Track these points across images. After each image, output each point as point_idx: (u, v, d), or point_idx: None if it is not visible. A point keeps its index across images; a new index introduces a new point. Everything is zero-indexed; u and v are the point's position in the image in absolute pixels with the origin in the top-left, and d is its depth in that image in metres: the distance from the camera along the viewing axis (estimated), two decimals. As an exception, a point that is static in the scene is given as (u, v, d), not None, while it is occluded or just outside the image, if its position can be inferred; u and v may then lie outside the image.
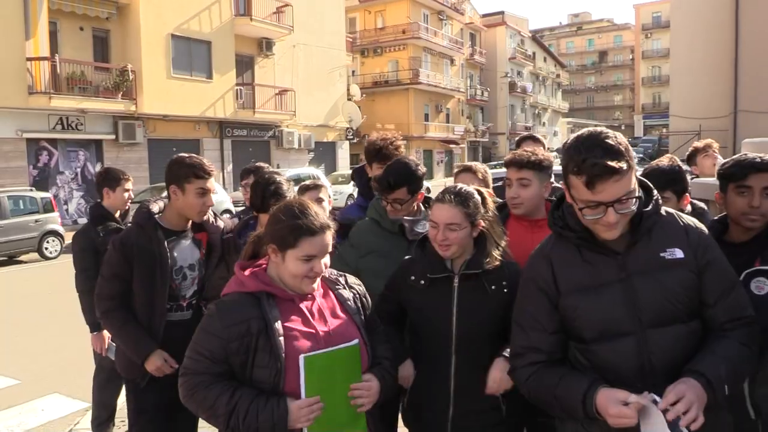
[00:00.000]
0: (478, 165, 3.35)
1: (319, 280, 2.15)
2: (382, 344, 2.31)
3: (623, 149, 1.74)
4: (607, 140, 1.74)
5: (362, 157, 3.62)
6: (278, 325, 2.02)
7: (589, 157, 1.72)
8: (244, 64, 26.03)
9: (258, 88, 25.74)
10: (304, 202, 2.14)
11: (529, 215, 2.89)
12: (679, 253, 1.86)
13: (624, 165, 1.72)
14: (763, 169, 2.33)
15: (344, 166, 31.68)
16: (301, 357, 1.98)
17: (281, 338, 2.00)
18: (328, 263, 2.15)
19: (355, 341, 2.09)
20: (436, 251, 2.47)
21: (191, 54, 22.72)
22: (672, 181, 2.79)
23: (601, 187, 1.73)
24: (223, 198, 18.42)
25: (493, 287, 2.40)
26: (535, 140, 4.04)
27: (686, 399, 1.64)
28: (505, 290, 2.42)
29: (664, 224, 1.92)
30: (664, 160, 2.96)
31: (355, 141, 30.45)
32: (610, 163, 1.70)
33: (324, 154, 31.33)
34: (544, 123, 64.89)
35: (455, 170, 3.48)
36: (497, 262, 2.45)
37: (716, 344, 1.82)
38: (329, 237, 2.10)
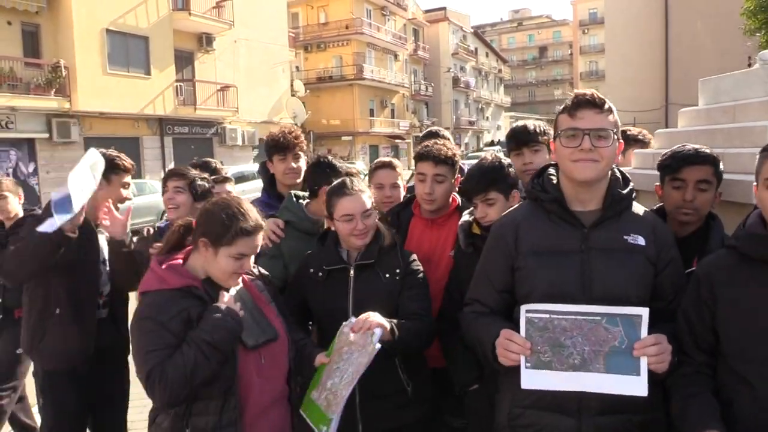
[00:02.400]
0: (395, 161, 3.44)
1: None
2: (298, 328, 2.46)
3: (608, 103, 1.96)
4: (595, 94, 1.98)
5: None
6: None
7: (579, 95, 1.98)
8: (184, 60, 25.45)
9: (199, 85, 25.24)
10: (241, 201, 2.20)
11: (435, 212, 2.92)
12: (641, 240, 1.97)
13: (605, 106, 1.95)
14: (696, 162, 2.34)
15: (289, 163, 31.37)
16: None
17: None
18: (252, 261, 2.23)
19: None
20: (332, 244, 2.57)
21: (128, 49, 22.06)
22: (494, 181, 2.55)
23: (581, 114, 1.92)
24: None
25: (387, 275, 2.48)
26: (436, 136, 3.91)
27: (663, 344, 1.81)
28: (397, 278, 2.50)
29: (635, 215, 2.04)
30: (487, 157, 2.68)
31: (299, 137, 30.25)
32: (593, 97, 1.95)
33: (268, 150, 30.99)
34: (487, 117, 65.87)
35: (372, 166, 3.52)
36: (389, 241, 2.55)
37: (671, 328, 1.96)
38: (261, 237, 2.19)
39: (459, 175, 2.96)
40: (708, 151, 2.39)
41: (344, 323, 2.29)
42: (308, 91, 35.49)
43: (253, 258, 2.22)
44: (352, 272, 2.50)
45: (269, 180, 3.48)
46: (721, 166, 2.41)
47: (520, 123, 3.17)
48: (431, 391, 2.68)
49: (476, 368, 2.48)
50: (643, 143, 4.01)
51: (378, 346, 2.17)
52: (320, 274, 2.53)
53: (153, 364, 1.95)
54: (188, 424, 2.05)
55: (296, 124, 28.70)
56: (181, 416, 2.06)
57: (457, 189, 2.98)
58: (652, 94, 27.09)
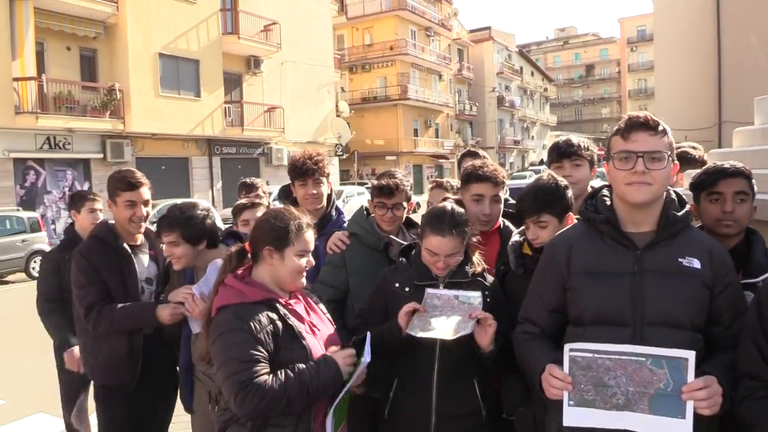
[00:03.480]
0: (451, 181, 3.44)
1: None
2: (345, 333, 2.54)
3: (662, 125, 1.92)
4: (648, 116, 1.95)
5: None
6: (296, 323, 2.23)
7: (632, 117, 1.95)
8: (233, 82, 26.09)
9: (246, 106, 25.80)
10: (289, 207, 2.37)
11: (484, 231, 2.90)
12: (696, 264, 1.92)
13: (659, 128, 1.90)
14: (732, 175, 2.38)
15: (334, 182, 31.65)
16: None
17: (304, 338, 2.22)
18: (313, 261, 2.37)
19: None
20: (420, 259, 2.53)
21: (179, 72, 22.75)
22: (548, 204, 2.46)
23: (635, 136, 1.91)
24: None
25: None
26: (474, 156, 3.97)
27: (713, 387, 1.74)
28: (488, 299, 2.46)
29: (691, 236, 2.00)
30: (543, 177, 2.60)
31: (344, 157, 30.53)
32: (647, 119, 1.92)
33: (313, 170, 31.32)
34: (532, 137, 65.28)
35: (430, 186, 3.53)
36: (479, 268, 2.53)
37: (728, 359, 1.89)
38: (312, 234, 2.34)
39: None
40: (740, 165, 2.44)
41: (428, 292, 2.41)
42: (353, 111, 35.89)
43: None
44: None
45: (291, 203, 3.40)
46: (754, 182, 2.45)
47: (564, 136, 3.17)
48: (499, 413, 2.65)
49: (525, 390, 2.46)
50: (702, 162, 3.91)
51: (480, 300, 2.33)
52: (407, 289, 2.49)
53: (248, 376, 2.01)
54: None
55: (341, 144, 29.04)
56: (258, 428, 2.13)
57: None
58: (703, 111, 26.35)
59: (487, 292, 2.48)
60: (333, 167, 32.78)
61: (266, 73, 27.40)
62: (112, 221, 3.25)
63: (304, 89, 29.38)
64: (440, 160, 44.51)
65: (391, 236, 2.95)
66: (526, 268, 2.49)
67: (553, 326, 2.11)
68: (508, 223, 2.97)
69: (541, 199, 2.47)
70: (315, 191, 3.33)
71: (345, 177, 32.71)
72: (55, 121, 18.81)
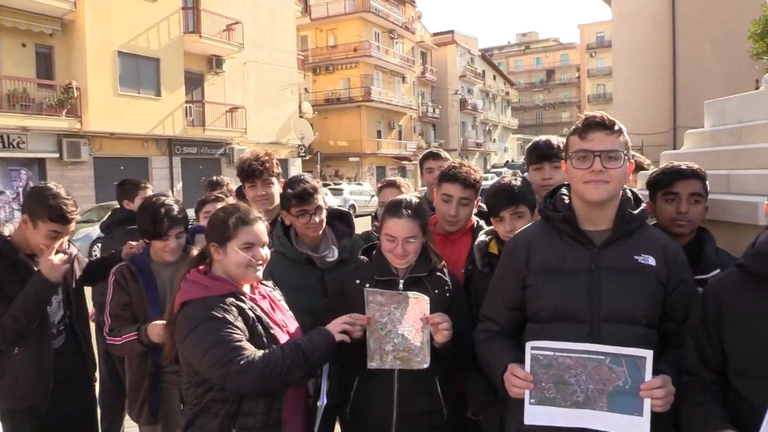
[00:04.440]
0: (401, 179, 3.45)
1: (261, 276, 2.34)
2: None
3: (618, 124, 1.98)
4: (605, 115, 2.02)
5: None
6: (262, 315, 2.26)
7: (589, 117, 2.02)
8: (194, 82, 25.70)
9: (208, 106, 25.45)
10: (237, 203, 2.39)
11: (453, 231, 2.93)
12: (651, 261, 1.97)
13: (616, 128, 1.96)
14: (689, 176, 2.46)
15: (297, 184, 31.41)
16: None
17: (272, 328, 2.27)
18: (268, 254, 2.33)
19: None
20: (381, 257, 2.54)
21: (139, 71, 22.31)
22: (524, 194, 2.59)
23: (591, 135, 1.95)
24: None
25: (435, 291, 2.47)
26: (436, 157, 4.00)
27: (669, 387, 1.82)
28: (447, 294, 2.50)
29: (647, 234, 2.05)
30: (506, 177, 2.71)
31: (307, 158, 30.40)
32: (603, 118, 1.98)
33: (276, 171, 31.06)
34: (494, 139, 66.01)
35: (379, 185, 3.53)
36: (439, 264, 2.55)
37: (678, 356, 1.95)
38: (263, 226, 2.31)
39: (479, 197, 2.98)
40: (696, 167, 2.52)
41: (366, 290, 2.39)
42: (316, 112, 35.72)
43: (267, 252, 2.32)
44: (401, 285, 2.49)
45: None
46: (708, 183, 2.54)
47: (543, 137, 3.12)
48: (460, 415, 2.67)
49: (491, 392, 2.49)
50: (643, 168, 4.04)
51: (426, 298, 2.31)
52: (368, 285, 2.48)
53: (239, 352, 2.05)
54: (236, 424, 2.14)
55: (304, 145, 28.92)
56: (231, 416, 2.13)
57: (476, 211, 2.99)
58: (659, 116, 27.10)
59: (446, 287, 2.52)
60: (295, 168, 32.61)
61: (228, 72, 27.08)
62: (7, 232, 2.96)
63: (267, 90, 29.13)
64: (403, 162, 44.62)
65: (309, 252, 2.88)
66: (492, 267, 2.51)
67: (513, 324, 2.14)
68: (482, 222, 2.98)
69: (517, 191, 2.57)
70: (264, 192, 3.27)
71: (308, 178, 32.48)
72: (8, 119, 18.24)
